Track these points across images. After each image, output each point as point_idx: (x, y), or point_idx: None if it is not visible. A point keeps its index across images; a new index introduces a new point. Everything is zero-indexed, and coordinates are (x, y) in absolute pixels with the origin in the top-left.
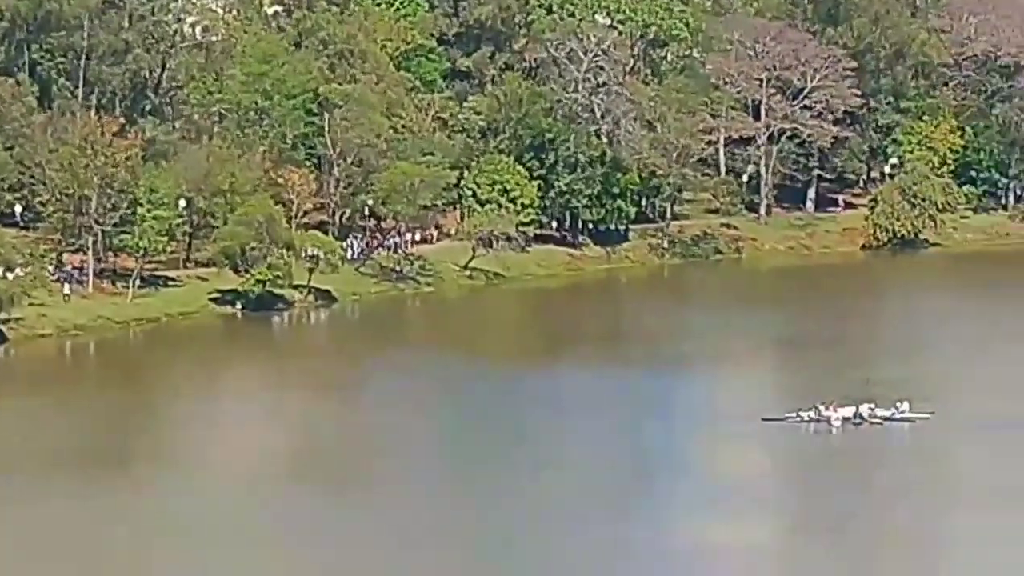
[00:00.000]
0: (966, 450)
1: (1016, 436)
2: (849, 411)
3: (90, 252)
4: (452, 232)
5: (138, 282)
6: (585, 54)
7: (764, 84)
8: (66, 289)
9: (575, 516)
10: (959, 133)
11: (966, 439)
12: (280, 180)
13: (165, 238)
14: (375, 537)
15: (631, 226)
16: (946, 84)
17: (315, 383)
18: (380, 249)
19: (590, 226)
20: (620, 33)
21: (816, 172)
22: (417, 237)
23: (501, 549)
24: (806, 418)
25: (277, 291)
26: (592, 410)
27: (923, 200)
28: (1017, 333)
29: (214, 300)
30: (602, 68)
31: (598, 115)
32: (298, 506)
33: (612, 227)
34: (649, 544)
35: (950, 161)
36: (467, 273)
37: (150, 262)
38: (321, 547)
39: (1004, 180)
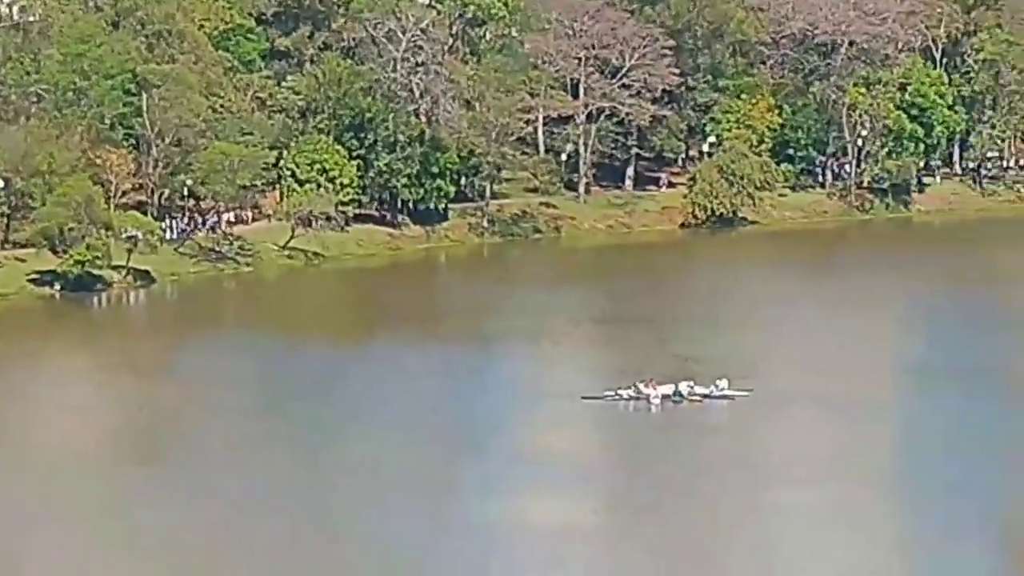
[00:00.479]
0: (784, 427)
1: (832, 412)
2: (668, 389)
3: None
4: (271, 212)
5: None
6: (403, 33)
7: (582, 63)
8: None
9: (390, 493)
10: (777, 111)
11: (784, 416)
12: (98, 160)
13: None
14: (190, 514)
15: (450, 205)
16: (764, 63)
17: (133, 363)
18: (199, 229)
19: (410, 205)
20: (438, 12)
21: (635, 151)
22: (235, 217)
23: (315, 525)
24: (625, 396)
25: (96, 272)
26: (410, 388)
27: (741, 178)
28: (833, 310)
29: (32, 281)
30: (421, 47)
31: (417, 94)
32: (116, 486)
33: (432, 206)
34: (465, 522)
35: (768, 139)
36: (286, 253)
37: None
38: (138, 525)
39: (821, 158)
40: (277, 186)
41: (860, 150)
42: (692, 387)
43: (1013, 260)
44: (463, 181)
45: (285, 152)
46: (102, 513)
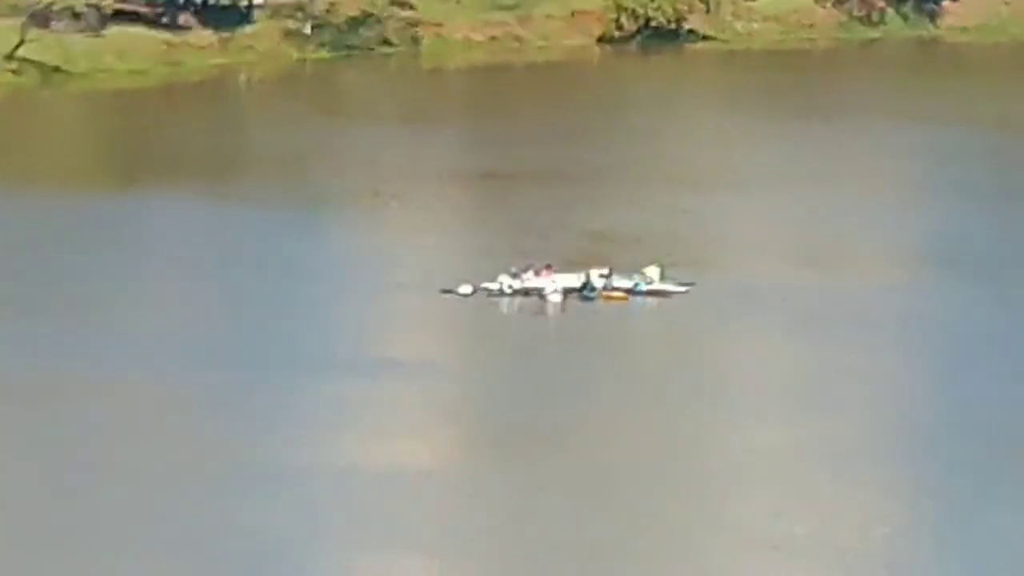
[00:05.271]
0: (737, 336)
1: (804, 316)
2: (573, 279)
3: None
4: None
5: None
6: None
7: None
8: None
9: (176, 439)
10: None
11: (737, 322)
12: None
13: None
14: None
15: (257, 1)
16: None
17: None
18: None
19: (197, 1)
20: None
21: None
22: None
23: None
24: (508, 290)
25: None
26: (195, 269)
27: None
28: (811, 171)
29: None
30: None
31: None
32: None
33: (229, 2)
34: (299, 468)
35: None
36: (12, 66)
37: None
38: None
39: None
40: None
41: None
42: (608, 277)
43: None
44: None
45: None
46: None
